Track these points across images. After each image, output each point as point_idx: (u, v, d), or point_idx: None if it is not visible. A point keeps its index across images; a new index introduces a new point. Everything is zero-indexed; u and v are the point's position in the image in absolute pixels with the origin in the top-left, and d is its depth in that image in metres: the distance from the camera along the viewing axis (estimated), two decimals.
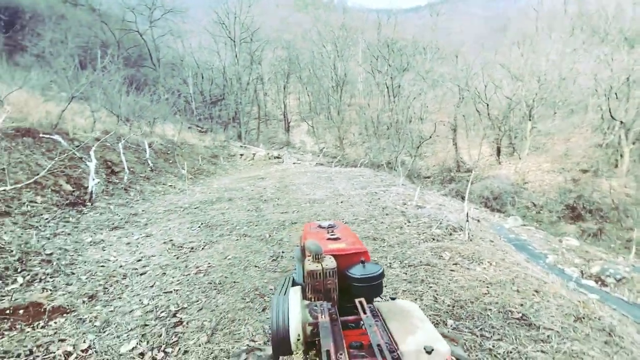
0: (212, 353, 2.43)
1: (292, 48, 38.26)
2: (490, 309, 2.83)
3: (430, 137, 17.03)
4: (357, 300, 1.35)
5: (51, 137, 7.63)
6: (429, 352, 1.10)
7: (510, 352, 2.25)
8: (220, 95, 32.16)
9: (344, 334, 1.27)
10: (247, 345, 2.33)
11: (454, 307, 2.93)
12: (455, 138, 27.47)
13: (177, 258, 4.68)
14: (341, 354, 1.11)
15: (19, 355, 2.42)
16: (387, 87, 31.97)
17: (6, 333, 2.71)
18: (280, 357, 1.40)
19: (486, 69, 27.67)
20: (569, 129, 24.39)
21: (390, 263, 4.09)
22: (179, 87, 28.27)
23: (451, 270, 3.73)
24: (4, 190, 5.29)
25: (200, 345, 2.51)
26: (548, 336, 2.42)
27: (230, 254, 4.71)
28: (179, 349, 2.48)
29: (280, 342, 1.24)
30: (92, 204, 7.62)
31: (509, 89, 25.67)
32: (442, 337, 1.35)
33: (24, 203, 5.97)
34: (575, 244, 12.09)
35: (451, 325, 2.61)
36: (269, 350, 1.46)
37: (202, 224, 6.87)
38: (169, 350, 2.47)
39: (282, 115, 36.16)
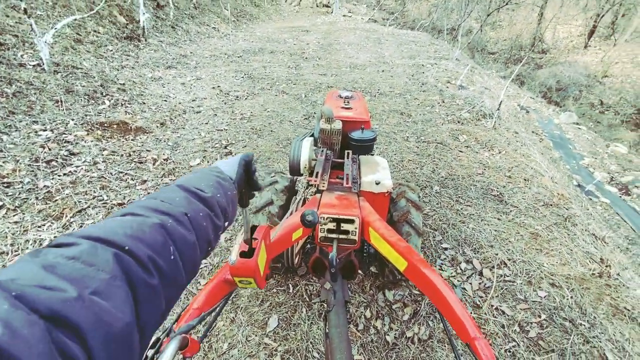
0: None
1: None
2: (475, 185, 3.40)
3: (508, 2, 14.03)
4: (346, 151, 2.04)
5: None
6: (377, 183, 1.78)
7: (472, 215, 2.93)
8: None
9: (335, 172, 2.01)
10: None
11: (446, 178, 3.52)
12: (545, 6, 22.31)
13: (225, 103, 5.39)
14: (325, 174, 1.83)
15: (122, 155, 3.47)
16: None
17: (109, 139, 3.75)
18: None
19: None
20: None
21: (407, 137, 4.55)
22: None
23: (459, 151, 4.16)
24: (74, 19, 5.75)
25: None
26: (510, 211, 3.03)
27: (269, 107, 5.33)
28: None
29: (294, 167, 1.98)
30: (145, 40, 8.06)
31: None
32: (408, 187, 1.99)
33: (90, 32, 6.54)
34: (623, 151, 11.51)
35: (435, 190, 3.27)
36: (288, 174, 2.18)
37: (245, 74, 7.31)
38: None
39: None
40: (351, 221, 1.50)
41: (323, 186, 1.71)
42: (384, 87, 6.97)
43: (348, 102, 2.41)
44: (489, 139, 4.58)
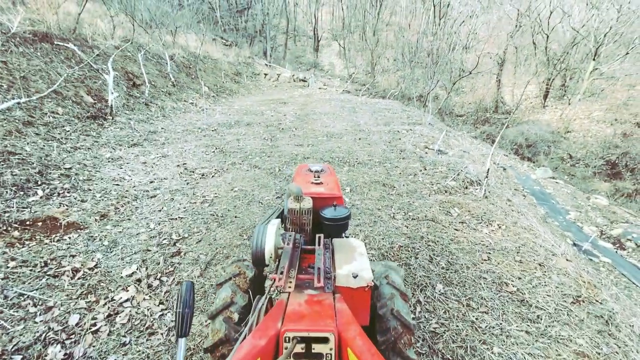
0: (202, 287, 2.58)
1: None
2: (485, 278, 2.76)
3: (471, 72, 15.25)
4: (317, 236, 1.72)
5: (66, 45, 7.38)
6: (354, 277, 1.49)
7: (493, 327, 2.23)
8: (247, 3, 29.50)
9: (307, 257, 1.71)
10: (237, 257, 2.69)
11: (447, 270, 2.88)
12: (500, 74, 24.65)
13: (187, 184, 4.80)
14: (292, 270, 1.49)
15: (35, 266, 2.67)
16: (434, 6, 27.90)
17: (27, 243, 2.97)
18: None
19: None
20: (639, 75, 21.04)
21: (394, 214, 3.99)
22: None
23: (455, 229, 3.60)
24: (27, 101, 5.33)
25: (192, 278, 2.67)
26: (538, 316, 2.35)
27: (237, 186, 4.76)
28: (174, 279, 2.65)
29: (258, 258, 1.67)
30: (113, 118, 7.72)
31: (579, 19, 21.65)
32: (391, 268, 1.75)
33: (46, 114, 6.10)
34: (604, 203, 11.45)
35: (439, 291, 2.58)
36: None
37: (216, 149, 6.90)
38: (164, 279, 2.64)
39: (312, 32, 33.17)
40: (325, 340, 1.17)
41: (290, 287, 1.41)
42: (362, 155, 6.67)
43: (318, 177, 2.25)
44: (484, 211, 4.09)
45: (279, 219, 1.91)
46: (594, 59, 20.00)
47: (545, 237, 3.70)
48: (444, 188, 4.86)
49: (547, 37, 23.12)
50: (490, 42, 27.92)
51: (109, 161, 5.43)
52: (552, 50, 23.80)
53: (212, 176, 5.19)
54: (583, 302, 2.53)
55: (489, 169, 4.58)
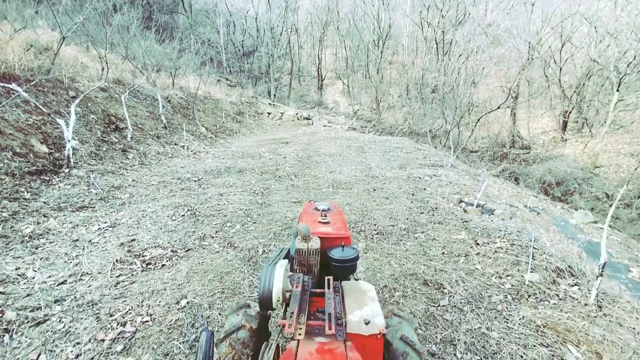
0: None
1: None
2: None
3: (499, 107, 13.87)
4: (326, 278, 1.70)
5: (8, 85, 6.06)
6: (366, 323, 1.46)
7: None
8: (253, 46, 29.67)
9: (316, 300, 1.68)
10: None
11: None
12: (515, 108, 23.42)
13: (116, 286, 3.05)
14: (302, 316, 1.47)
15: None
16: (437, 43, 27.58)
17: None
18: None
19: (566, 23, 22.36)
20: None
21: None
22: (209, 35, 26.09)
23: None
24: None
25: None
26: None
27: (190, 291, 3.00)
28: None
29: (265, 301, 1.62)
30: (69, 171, 6.23)
31: (595, 50, 20.61)
32: (397, 316, 1.65)
33: None
34: None
35: None
36: (257, 307, 1.74)
37: (189, 210, 5.26)
38: None
39: (316, 72, 33.08)
40: None
41: (300, 335, 1.34)
42: (381, 218, 4.93)
43: (325, 216, 2.19)
44: (621, 350, 2.24)
45: (286, 260, 1.83)
46: (617, 90, 18.63)
47: None
48: (523, 286, 3.05)
49: (560, 69, 22.09)
50: (497, 76, 27.18)
51: (22, 242, 3.79)
52: (565, 82, 22.66)
53: (162, 266, 3.47)
54: None
55: (604, 263, 2.75)
